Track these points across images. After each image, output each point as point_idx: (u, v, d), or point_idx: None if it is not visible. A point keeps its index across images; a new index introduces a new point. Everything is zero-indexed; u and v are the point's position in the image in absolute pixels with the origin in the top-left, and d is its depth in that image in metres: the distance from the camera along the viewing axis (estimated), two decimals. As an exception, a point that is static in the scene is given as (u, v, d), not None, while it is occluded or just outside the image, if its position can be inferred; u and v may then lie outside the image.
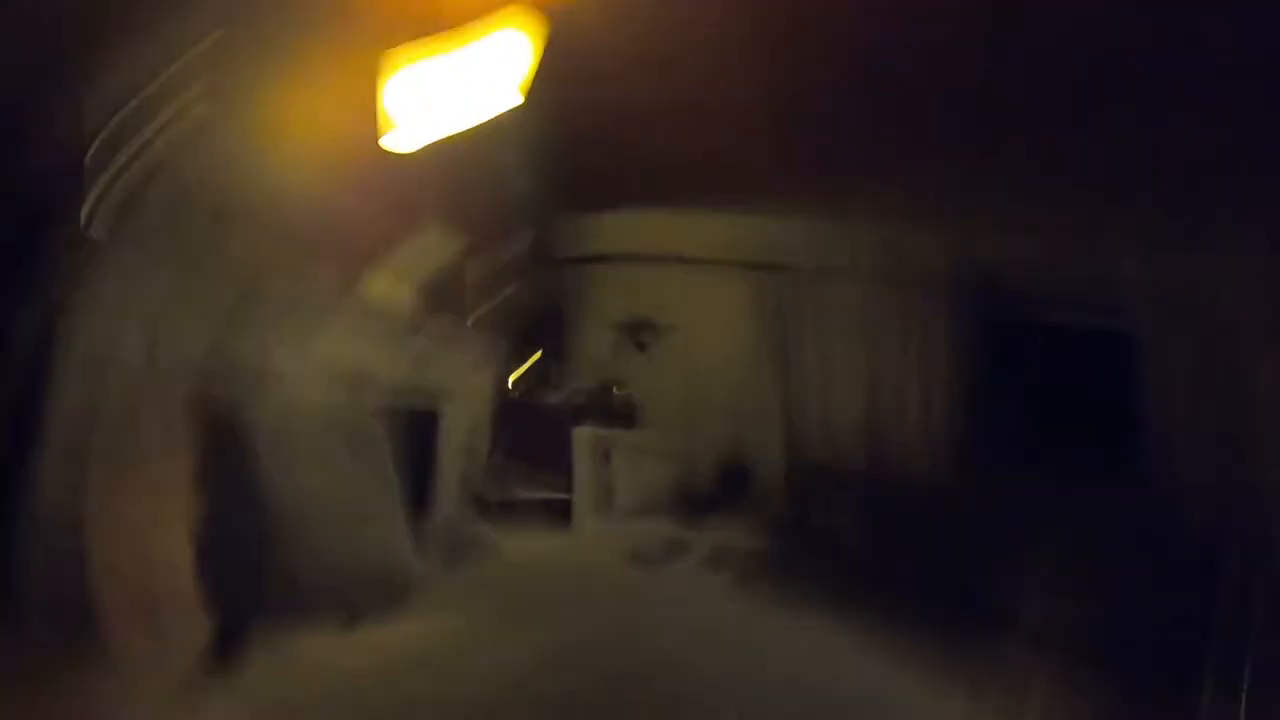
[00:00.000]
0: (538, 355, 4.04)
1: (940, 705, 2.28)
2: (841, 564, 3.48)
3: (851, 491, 3.85)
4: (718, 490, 4.07)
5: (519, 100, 2.52)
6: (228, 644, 1.39)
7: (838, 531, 3.65)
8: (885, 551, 3.52)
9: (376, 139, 2.47)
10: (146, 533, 1.43)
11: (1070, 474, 3.96)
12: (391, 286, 2.94)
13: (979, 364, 4.10)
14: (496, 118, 2.44)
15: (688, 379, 4.60)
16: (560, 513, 3.19)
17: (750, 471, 4.16)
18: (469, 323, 3.70)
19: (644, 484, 3.34)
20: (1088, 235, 3.75)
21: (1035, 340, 4.10)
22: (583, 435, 3.33)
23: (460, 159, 2.97)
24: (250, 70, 2.13)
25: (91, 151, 1.78)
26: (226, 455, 1.45)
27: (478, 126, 2.43)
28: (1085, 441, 3.98)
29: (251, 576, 1.39)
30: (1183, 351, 3.65)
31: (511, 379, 4.03)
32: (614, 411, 4.30)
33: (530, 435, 3.80)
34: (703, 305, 4.75)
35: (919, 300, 4.24)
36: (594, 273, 5.07)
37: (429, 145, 2.46)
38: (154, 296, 1.66)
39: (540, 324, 4.58)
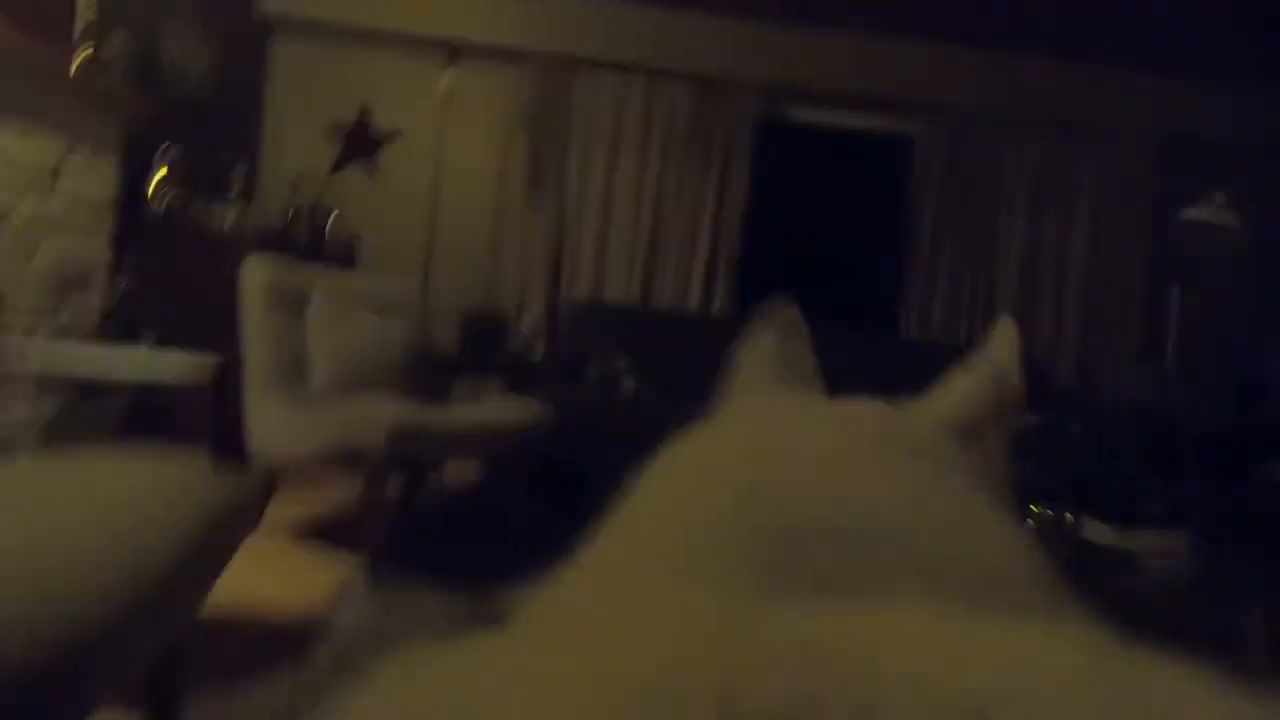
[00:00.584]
0: (169, 150, 2.68)
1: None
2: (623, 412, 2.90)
3: (629, 332, 3.24)
4: (464, 350, 3.20)
5: None
6: None
7: (615, 379, 3.04)
8: (669, 391, 3.01)
9: None
10: None
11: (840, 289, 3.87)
12: None
13: (761, 172, 3.67)
14: None
15: (425, 201, 3.55)
16: (217, 388, 2.08)
17: (505, 322, 3.33)
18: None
19: (357, 346, 2.33)
20: None
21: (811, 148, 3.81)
22: (259, 270, 2.11)
23: None
24: None
25: None
26: None
27: None
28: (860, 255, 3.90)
29: None
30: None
31: (151, 184, 2.68)
32: (319, 242, 3.12)
33: (179, 270, 2.52)
34: (445, 104, 3.60)
35: (702, 97, 3.59)
36: (291, 51, 3.64)
37: None
38: None
39: (224, 116, 3.19)
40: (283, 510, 2.28)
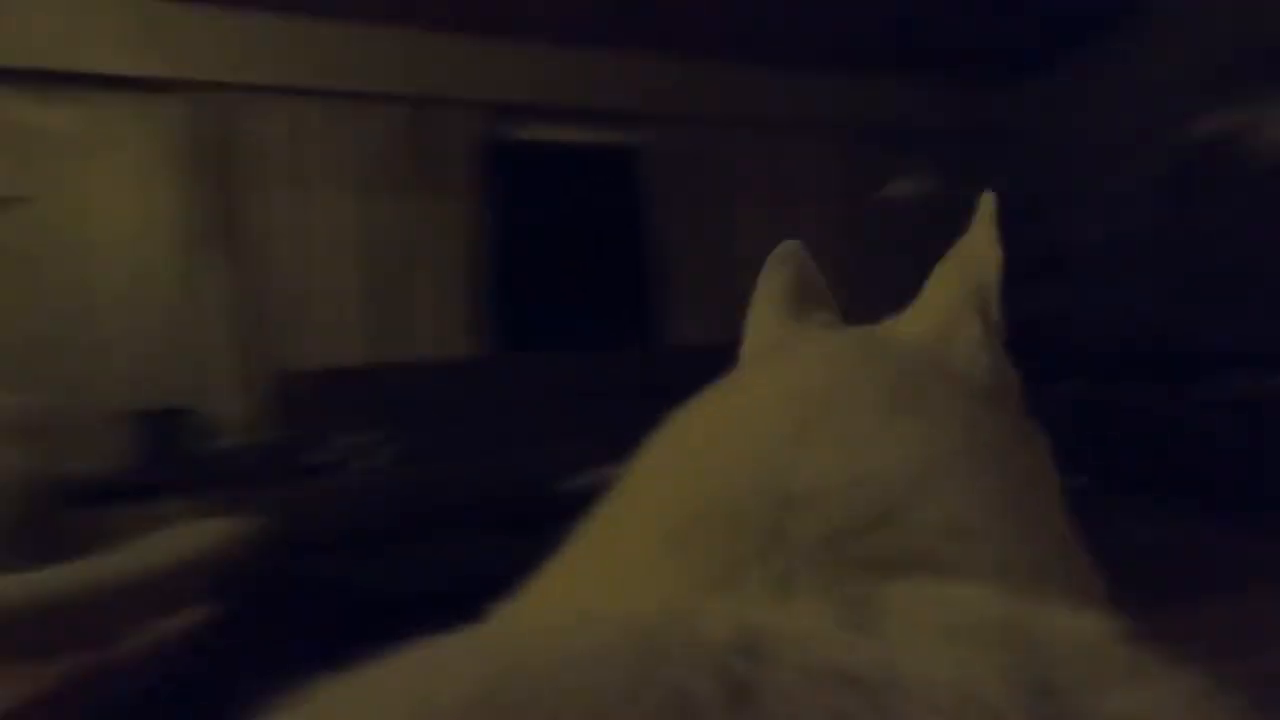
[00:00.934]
0: None
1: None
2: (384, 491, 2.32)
3: (367, 397, 2.70)
4: (136, 467, 2.45)
5: None
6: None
7: (355, 458, 2.49)
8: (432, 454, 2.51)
9: None
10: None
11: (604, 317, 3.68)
12: None
13: (496, 196, 3.33)
14: None
15: (64, 279, 2.72)
16: None
17: (192, 418, 2.61)
18: None
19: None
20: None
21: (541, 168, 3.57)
22: None
23: None
24: None
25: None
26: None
27: None
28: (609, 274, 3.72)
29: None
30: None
31: None
32: None
33: None
34: (84, 158, 2.80)
35: (420, 120, 3.18)
36: None
37: None
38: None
39: None
40: None
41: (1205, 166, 3.42)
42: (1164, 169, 3.56)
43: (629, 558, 0.26)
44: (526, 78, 3.43)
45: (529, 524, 2.15)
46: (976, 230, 0.43)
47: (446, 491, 2.15)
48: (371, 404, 2.64)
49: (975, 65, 4.08)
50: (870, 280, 3.94)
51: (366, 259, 3.04)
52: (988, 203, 0.44)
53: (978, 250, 0.42)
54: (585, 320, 3.64)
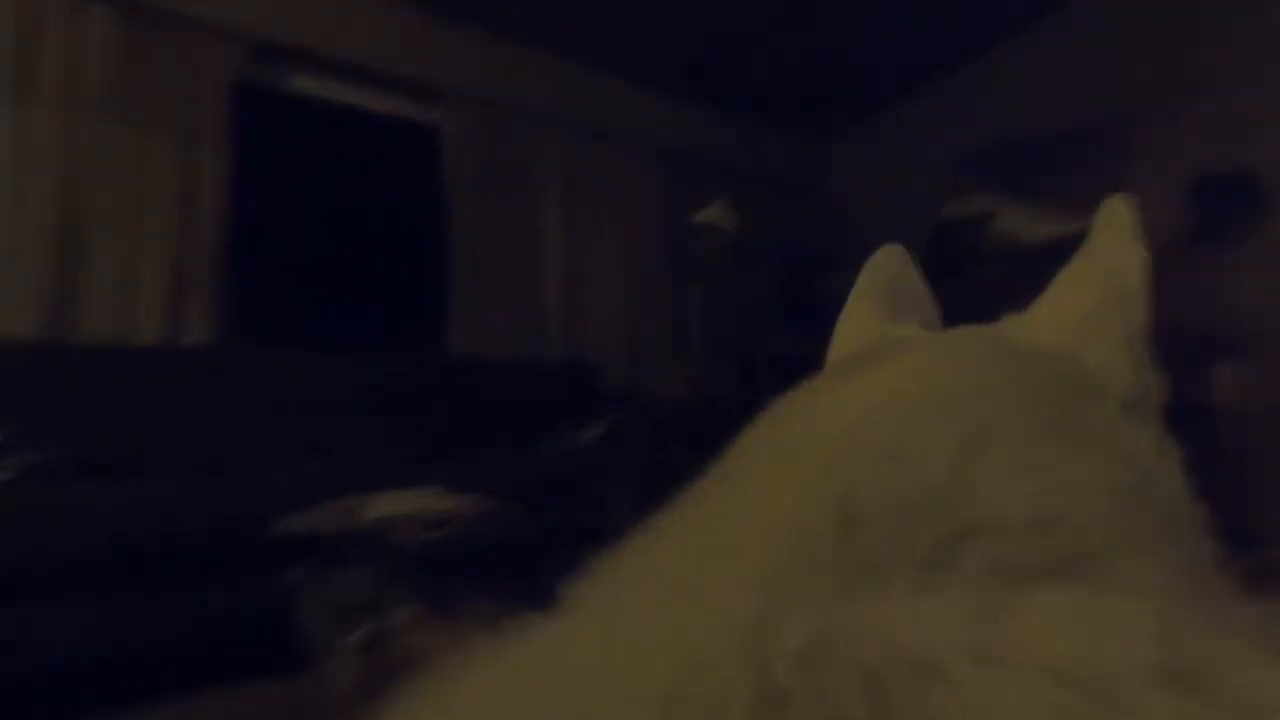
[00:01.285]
0: None
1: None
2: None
3: (24, 386, 2.07)
4: None
5: None
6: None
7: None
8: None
9: None
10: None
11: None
12: None
13: (249, 154, 2.77)
14: None
15: None
16: None
17: None
18: None
19: None
20: None
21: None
22: None
23: None
24: None
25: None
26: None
27: None
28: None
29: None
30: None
31: None
32: None
33: None
34: None
35: (152, 44, 2.54)
36: None
37: None
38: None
39: None
40: None
41: (948, 247, 3.76)
42: (919, 244, 3.92)
43: (738, 563, 0.25)
44: (304, 17, 2.90)
45: (227, 574, 1.70)
46: (1109, 234, 0.42)
47: (111, 525, 1.64)
48: (28, 393, 1.99)
49: (798, 114, 4.24)
50: (662, 299, 3.93)
51: (58, 203, 2.33)
52: (1117, 209, 0.42)
53: (1115, 253, 0.41)
54: (344, 314, 3.16)
